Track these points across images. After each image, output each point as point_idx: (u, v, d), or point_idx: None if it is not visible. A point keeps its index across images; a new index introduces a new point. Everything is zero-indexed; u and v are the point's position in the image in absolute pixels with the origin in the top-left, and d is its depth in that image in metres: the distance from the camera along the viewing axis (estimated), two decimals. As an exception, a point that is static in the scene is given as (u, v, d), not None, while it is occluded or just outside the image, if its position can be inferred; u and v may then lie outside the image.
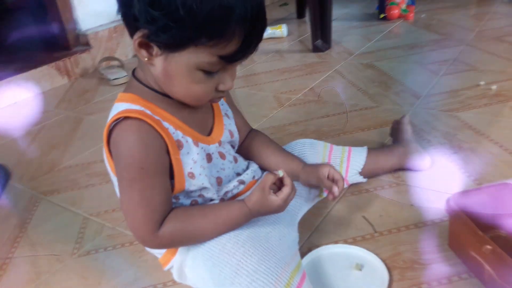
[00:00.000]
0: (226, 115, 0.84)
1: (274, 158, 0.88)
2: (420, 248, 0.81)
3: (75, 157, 1.35)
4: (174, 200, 0.74)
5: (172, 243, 0.73)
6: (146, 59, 0.65)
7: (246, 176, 0.82)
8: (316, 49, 2.09)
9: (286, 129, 1.35)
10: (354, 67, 1.82)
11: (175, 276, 0.79)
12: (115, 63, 2.19)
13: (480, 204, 0.77)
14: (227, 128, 0.82)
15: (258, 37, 0.64)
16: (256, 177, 0.85)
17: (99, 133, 1.54)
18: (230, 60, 0.64)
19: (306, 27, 2.53)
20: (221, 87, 0.68)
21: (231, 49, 0.62)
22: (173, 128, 0.70)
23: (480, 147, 1.10)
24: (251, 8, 0.60)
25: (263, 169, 0.88)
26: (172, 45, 0.62)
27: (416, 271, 0.76)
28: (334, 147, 1.00)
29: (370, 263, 0.78)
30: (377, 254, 0.79)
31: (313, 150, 0.97)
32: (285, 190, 0.71)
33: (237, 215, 0.72)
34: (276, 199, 0.70)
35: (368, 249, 0.81)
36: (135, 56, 2.41)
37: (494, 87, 1.42)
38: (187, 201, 0.76)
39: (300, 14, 2.82)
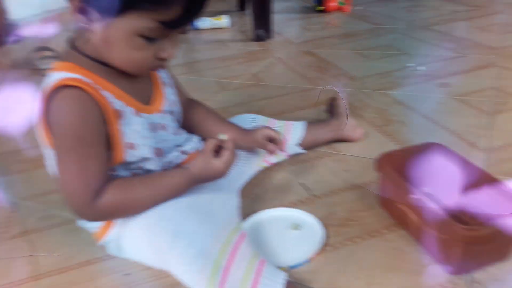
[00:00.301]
0: (165, 83, 0.83)
1: (215, 127, 0.89)
2: (352, 207, 0.85)
3: (4, 145, 1.28)
4: (112, 173, 0.73)
5: (112, 214, 0.71)
6: (85, 25, 0.63)
7: (188, 147, 0.83)
8: (257, 38, 2.12)
9: (228, 111, 1.35)
10: (294, 54, 1.87)
11: (112, 250, 0.77)
12: (49, 53, 2.10)
13: (405, 161, 0.83)
14: (166, 97, 0.82)
15: (200, 5, 0.64)
16: (198, 149, 0.86)
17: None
18: (171, 26, 0.64)
19: (248, 19, 2.57)
20: (162, 54, 0.68)
21: (172, 15, 0.61)
22: (113, 97, 0.69)
23: (408, 119, 1.17)
24: None
25: (204, 140, 0.89)
26: (111, 10, 0.61)
27: (349, 227, 0.80)
28: (276, 121, 1.03)
29: (307, 223, 0.81)
30: (313, 215, 0.83)
31: (254, 124, 0.99)
32: (226, 154, 0.73)
33: (178, 181, 0.72)
34: (217, 162, 0.72)
35: (305, 211, 0.84)
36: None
37: (422, 68, 1.52)
38: (125, 173, 0.75)
39: (241, 7, 2.85)
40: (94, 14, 0.62)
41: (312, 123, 1.08)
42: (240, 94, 1.50)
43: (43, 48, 2.09)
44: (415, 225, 0.73)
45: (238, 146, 0.89)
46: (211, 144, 0.73)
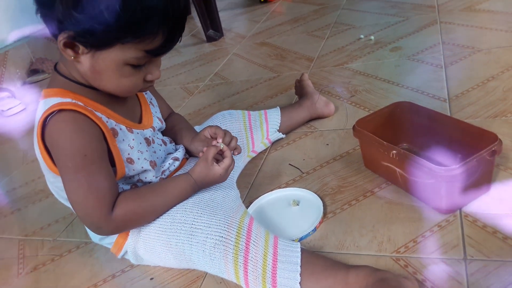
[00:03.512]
0: (151, 103, 0.88)
1: (179, 137, 0.92)
2: (342, 175, 0.92)
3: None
4: None
5: (127, 224, 0.74)
6: (72, 57, 0.66)
7: (179, 154, 0.87)
8: (210, 39, 2.16)
9: (202, 113, 1.40)
10: (249, 47, 1.92)
11: (132, 260, 0.81)
12: (5, 94, 2.06)
13: (380, 122, 0.90)
14: (155, 116, 0.86)
15: (181, 30, 0.69)
16: (186, 156, 0.90)
17: (7, 163, 1.46)
18: (156, 54, 0.68)
19: (195, 22, 2.60)
20: (149, 78, 0.72)
21: (156, 44, 0.66)
22: (105, 117, 0.72)
23: (372, 86, 1.25)
24: (172, 5, 0.64)
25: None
26: (98, 45, 0.64)
27: (343, 193, 0.87)
28: (251, 112, 1.08)
29: (305, 197, 0.87)
30: (308, 189, 0.89)
31: (233, 118, 1.04)
32: (227, 161, 0.77)
33: (183, 187, 0.76)
34: (218, 168, 0.76)
35: (299, 188, 0.90)
36: (25, 83, 2.30)
37: (372, 37, 1.60)
38: (126, 187, 0.78)
39: (186, 12, 2.87)
40: (82, 48, 0.65)
41: (286, 107, 1.14)
42: (208, 95, 1.54)
43: (-2, 89, 2.05)
44: (402, 178, 0.80)
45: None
46: (211, 152, 0.76)
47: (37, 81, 2.30)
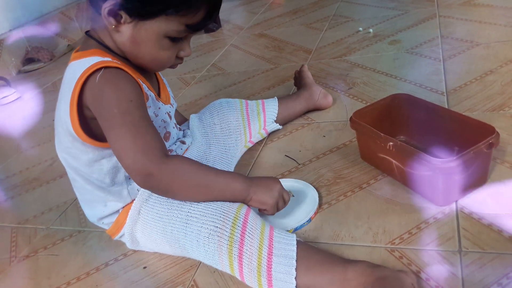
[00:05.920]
0: (166, 84, 0.90)
1: None
2: (338, 167, 0.91)
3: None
4: None
5: (171, 182, 0.69)
6: (113, 26, 0.67)
7: (187, 139, 0.90)
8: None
9: (198, 103, 1.39)
10: (247, 38, 1.91)
11: (128, 244, 0.80)
12: (0, 82, 2.04)
13: (377, 114, 0.90)
14: (171, 95, 0.89)
15: (219, 8, 0.72)
16: (192, 141, 0.93)
17: (1, 152, 1.45)
18: (196, 29, 0.70)
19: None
20: (182, 54, 0.74)
21: (198, 18, 0.68)
22: (140, 81, 0.73)
23: (370, 79, 1.25)
24: None
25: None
26: (144, 14, 0.66)
27: (339, 184, 0.86)
28: (249, 102, 1.07)
29: (300, 188, 0.87)
30: (304, 181, 0.88)
31: (230, 107, 1.03)
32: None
33: (234, 191, 0.72)
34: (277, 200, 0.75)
35: (295, 179, 0.90)
36: (20, 72, 2.27)
37: (371, 30, 1.60)
38: None
39: (184, 2, 2.85)
40: (125, 17, 0.66)
41: (283, 97, 1.13)
42: (204, 86, 1.53)
43: (-7, 77, 2.03)
44: (399, 170, 0.80)
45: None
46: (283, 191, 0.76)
47: (33, 70, 2.28)
